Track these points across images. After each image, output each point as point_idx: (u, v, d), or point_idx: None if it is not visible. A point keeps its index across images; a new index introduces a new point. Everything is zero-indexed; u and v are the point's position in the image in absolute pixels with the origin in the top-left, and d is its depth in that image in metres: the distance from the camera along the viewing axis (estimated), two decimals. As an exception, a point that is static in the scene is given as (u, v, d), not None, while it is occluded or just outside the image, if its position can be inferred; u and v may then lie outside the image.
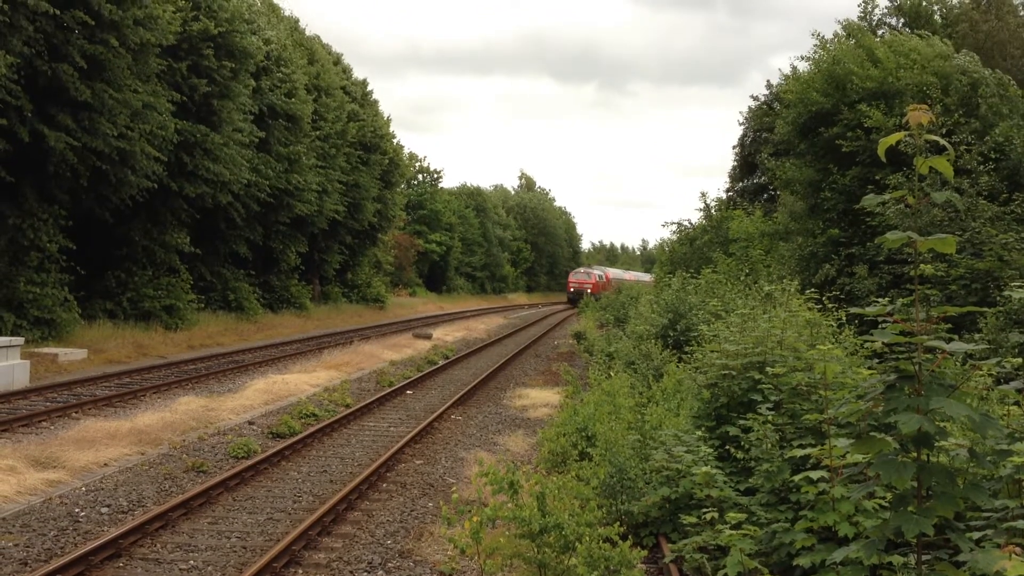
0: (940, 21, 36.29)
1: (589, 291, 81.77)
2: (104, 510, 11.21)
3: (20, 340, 21.19)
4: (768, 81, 46.40)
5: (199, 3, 32.89)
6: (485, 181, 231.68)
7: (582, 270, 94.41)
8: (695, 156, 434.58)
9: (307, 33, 51.06)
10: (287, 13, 49.19)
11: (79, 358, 24.62)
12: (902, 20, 36.90)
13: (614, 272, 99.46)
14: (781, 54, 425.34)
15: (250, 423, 17.62)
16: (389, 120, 60.53)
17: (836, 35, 26.90)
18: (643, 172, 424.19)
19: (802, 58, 27.18)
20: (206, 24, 32.12)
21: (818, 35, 26.59)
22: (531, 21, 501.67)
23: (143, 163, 28.06)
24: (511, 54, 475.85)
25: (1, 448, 13.31)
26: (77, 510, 11.13)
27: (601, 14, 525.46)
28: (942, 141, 4.66)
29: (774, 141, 32.48)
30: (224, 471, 13.31)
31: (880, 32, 34.77)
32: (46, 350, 24.21)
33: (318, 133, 45.93)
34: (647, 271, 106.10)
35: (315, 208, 45.38)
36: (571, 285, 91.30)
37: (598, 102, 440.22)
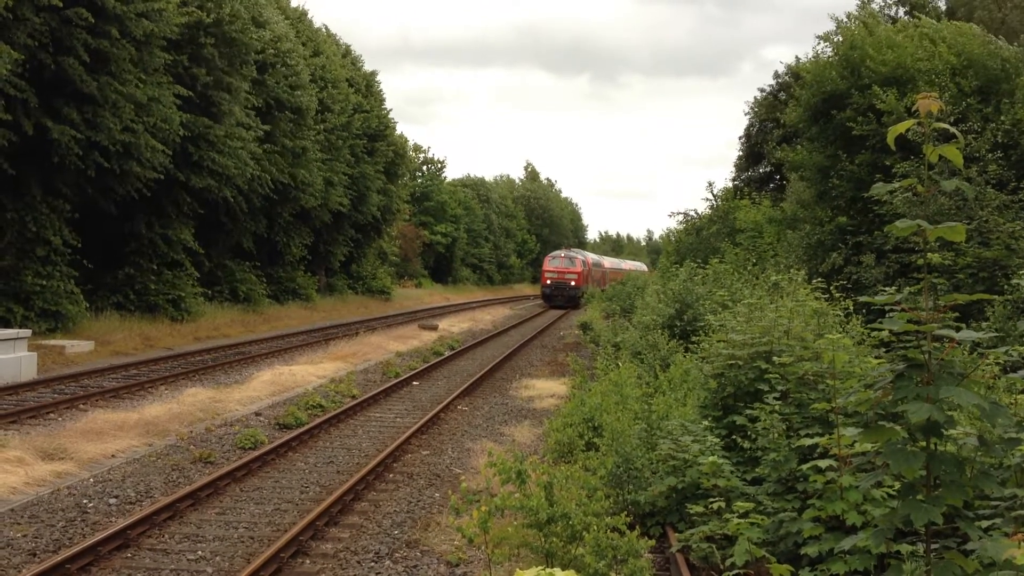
0: (943, 9, 36.16)
1: (573, 283, 63.33)
2: (112, 501, 11.24)
3: (27, 332, 21.22)
4: (776, 71, 46.25)
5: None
6: (485, 172, 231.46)
7: (562, 254, 67.07)
8: (692, 146, 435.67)
9: (314, 24, 50.97)
10: (294, 4, 49.09)
11: (86, 350, 24.67)
12: (903, 10, 36.75)
13: (593, 257, 76.34)
14: (772, 46, 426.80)
15: (257, 414, 17.64)
16: (390, 111, 60.55)
17: (851, 19, 26.88)
18: (641, 163, 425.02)
19: (822, 39, 27.16)
20: (200, 16, 31.99)
21: (836, 18, 26.63)
22: (522, 13, 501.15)
23: (147, 155, 28.05)
24: (504, 47, 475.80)
25: (9, 440, 13.35)
26: (85, 501, 11.16)
27: (591, 6, 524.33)
28: (952, 129, 4.63)
29: (784, 125, 32.40)
30: (231, 462, 13.34)
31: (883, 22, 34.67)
32: (53, 342, 24.26)
33: (323, 126, 45.89)
34: (653, 262, 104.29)
35: (320, 201, 45.39)
36: (547, 276, 65.27)
37: (592, 94, 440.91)
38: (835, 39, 25.85)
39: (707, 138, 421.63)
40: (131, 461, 13.31)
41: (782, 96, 41.33)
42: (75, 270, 28.44)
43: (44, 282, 26.47)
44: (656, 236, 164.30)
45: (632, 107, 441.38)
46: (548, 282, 64.48)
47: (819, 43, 27.37)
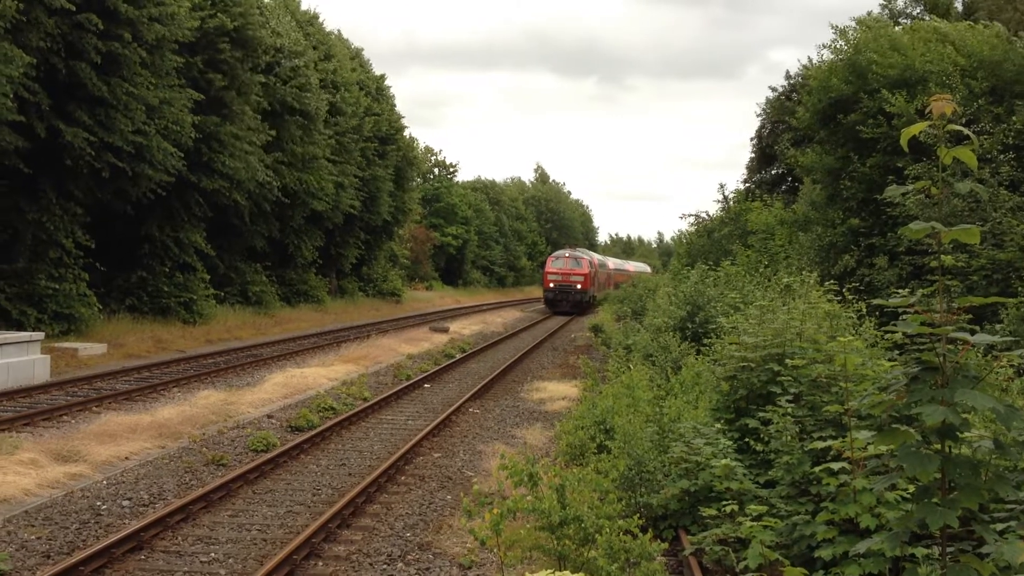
0: (960, 10, 36.04)
1: (580, 287, 57.07)
2: (125, 503, 11.28)
3: (40, 335, 21.32)
4: (788, 72, 46.09)
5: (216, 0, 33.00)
6: (495, 175, 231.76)
7: (566, 253, 59.92)
8: (700, 149, 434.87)
9: (326, 28, 51.06)
10: (304, 8, 49.18)
11: (99, 353, 24.76)
12: (921, 8, 36.65)
13: (599, 258, 69.73)
14: (779, 48, 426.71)
15: (269, 416, 17.68)
16: (402, 118, 60.61)
17: (857, 25, 26.70)
18: (649, 164, 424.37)
19: (824, 47, 26.99)
20: (223, 20, 32.17)
21: (837, 28, 26.36)
22: (529, 16, 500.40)
23: (159, 158, 28.17)
24: (511, 49, 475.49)
25: (23, 442, 13.41)
26: (99, 503, 11.20)
27: (597, 8, 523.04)
28: (966, 131, 4.61)
29: (794, 128, 32.33)
30: (244, 464, 13.37)
31: (902, 21, 34.54)
32: (66, 345, 24.35)
33: (334, 129, 45.95)
34: (664, 264, 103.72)
35: (330, 205, 45.49)
36: (549, 279, 57.99)
37: (599, 96, 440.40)
38: (838, 45, 25.68)
39: (716, 140, 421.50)
40: (144, 463, 13.35)
41: (794, 97, 41.23)
42: (88, 273, 28.58)
43: (57, 285, 26.61)
44: (667, 238, 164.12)
45: (640, 109, 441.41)
46: (551, 285, 57.58)
47: (822, 49, 27.24)
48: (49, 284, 26.40)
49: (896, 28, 26.94)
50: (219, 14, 32.30)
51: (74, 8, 23.95)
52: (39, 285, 26.16)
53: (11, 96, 22.25)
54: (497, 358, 29.83)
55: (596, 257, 67.00)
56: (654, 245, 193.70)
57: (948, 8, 35.43)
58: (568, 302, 56.68)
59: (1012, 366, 8.76)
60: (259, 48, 34.93)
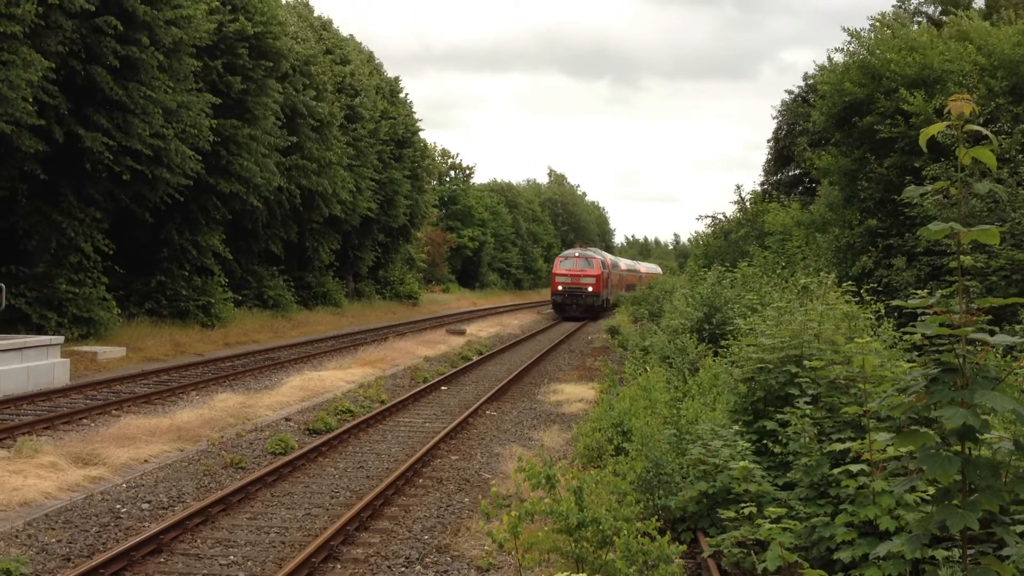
0: (979, 10, 35.80)
1: (591, 289, 53.68)
2: (145, 506, 11.34)
3: (60, 339, 21.46)
4: (806, 73, 45.89)
5: (235, 4, 33.15)
6: (511, 176, 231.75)
7: (576, 253, 56.00)
8: (714, 149, 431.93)
9: (341, 33, 51.21)
10: (318, 13, 49.39)
11: (118, 356, 24.90)
12: (936, 7, 36.45)
13: (611, 258, 65.18)
14: (792, 48, 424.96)
15: (287, 419, 17.73)
16: (419, 121, 60.73)
17: (873, 25, 26.53)
18: (664, 166, 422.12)
19: (837, 50, 26.77)
20: (243, 24, 32.33)
21: (850, 29, 26.18)
22: (538, 17, 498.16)
23: (177, 161, 28.30)
24: (522, 51, 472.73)
25: (43, 445, 13.48)
26: (118, 506, 11.27)
27: (609, 10, 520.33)
28: (985, 131, 4.59)
29: (810, 131, 32.19)
30: (262, 467, 13.41)
31: (917, 20, 34.34)
32: (86, 348, 24.50)
33: (351, 135, 46.04)
34: (680, 265, 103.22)
35: (348, 209, 45.59)
36: (558, 280, 54.23)
37: (612, 98, 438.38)
38: (851, 48, 25.48)
39: (730, 141, 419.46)
40: (163, 466, 13.42)
41: (810, 99, 41.08)
42: (107, 277, 28.74)
43: (77, 289, 26.77)
44: (684, 239, 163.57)
45: (653, 110, 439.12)
46: (560, 288, 53.91)
47: (834, 52, 26.97)
48: (69, 288, 26.57)
49: (912, 28, 26.75)
50: (240, 17, 32.46)
51: (93, 9, 24.10)
52: (59, 289, 26.32)
53: (31, 100, 22.42)
54: (514, 360, 29.83)
55: (608, 257, 63.63)
56: (670, 247, 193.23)
57: (968, 6, 35.21)
58: (578, 306, 53.63)
59: (1032, 367, 8.70)
60: (280, 57, 35.09)
